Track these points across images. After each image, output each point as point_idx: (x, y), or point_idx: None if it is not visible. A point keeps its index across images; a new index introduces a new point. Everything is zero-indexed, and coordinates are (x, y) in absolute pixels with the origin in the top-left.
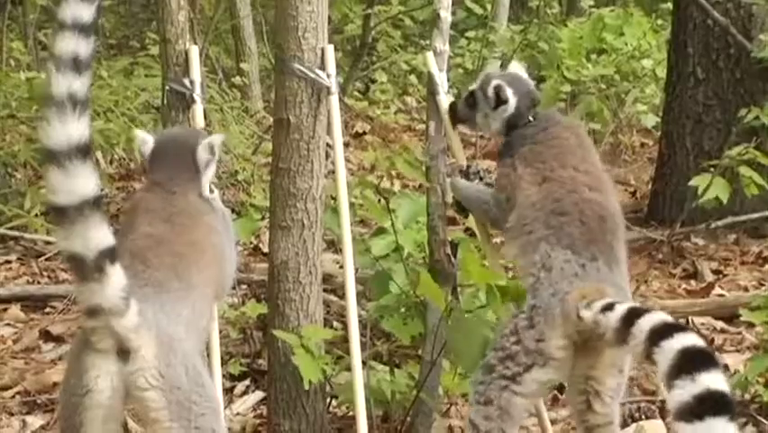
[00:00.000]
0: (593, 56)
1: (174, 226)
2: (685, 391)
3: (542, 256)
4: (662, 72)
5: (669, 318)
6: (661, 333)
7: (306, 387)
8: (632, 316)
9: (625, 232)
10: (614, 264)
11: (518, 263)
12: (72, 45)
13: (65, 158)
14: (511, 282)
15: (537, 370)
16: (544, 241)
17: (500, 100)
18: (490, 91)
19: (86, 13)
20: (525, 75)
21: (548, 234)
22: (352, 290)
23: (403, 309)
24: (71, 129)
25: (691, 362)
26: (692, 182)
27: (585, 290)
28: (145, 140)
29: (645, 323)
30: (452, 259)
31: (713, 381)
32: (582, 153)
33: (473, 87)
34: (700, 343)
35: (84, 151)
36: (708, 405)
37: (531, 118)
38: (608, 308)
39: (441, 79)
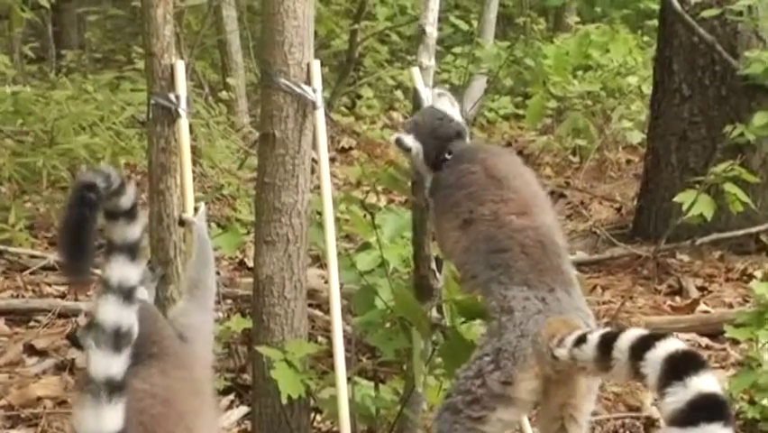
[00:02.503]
0: (579, 72)
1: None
2: (677, 397)
3: (498, 299)
4: (647, 89)
5: (644, 331)
6: (642, 346)
7: (284, 401)
8: (607, 341)
9: (566, 244)
10: (569, 288)
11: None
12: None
13: None
14: (472, 299)
15: (503, 411)
16: (493, 282)
17: (406, 149)
18: (395, 145)
19: (134, 275)
20: (443, 105)
21: (496, 275)
22: (336, 305)
23: (388, 324)
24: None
25: (679, 366)
26: (677, 199)
27: (553, 327)
28: None
29: (623, 342)
30: (437, 274)
31: (704, 383)
32: (497, 182)
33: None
34: (684, 346)
35: None
36: (702, 410)
37: (447, 156)
38: (581, 340)
39: (426, 95)
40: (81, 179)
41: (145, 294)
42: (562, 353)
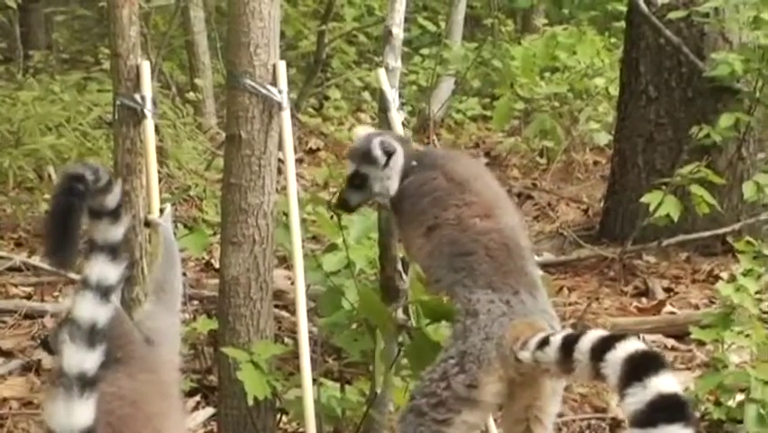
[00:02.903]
0: (547, 74)
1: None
2: (637, 398)
3: (462, 302)
4: (614, 90)
5: (605, 333)
6: (602, 347)
7: (251, 403)
8: (569, 343)
9: (530, 245)
10: (534, 290)
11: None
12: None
13: None
14: (438, 300)
15: (468, 413)
16: (458, 285)
17: (389, 153)
18: (377, 150)
19: (113, 275)
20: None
21: (460, 278)
22: (302, 306)
23: (354, 326)
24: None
25: (639, 367)
26: (644, 200)
27: (517, 330)
28: None
29: (584, 344)
30: (403, 275)
31: (664, 384)
32: (458, 187)
33: (351, 169)
34: (643, 347)
35: None
36: (662, 411)
37: (414, 162)
38: (544, 343)
39: (392, 96)
40: (70, 170)
41: (113, 297)
42: (525, 355)
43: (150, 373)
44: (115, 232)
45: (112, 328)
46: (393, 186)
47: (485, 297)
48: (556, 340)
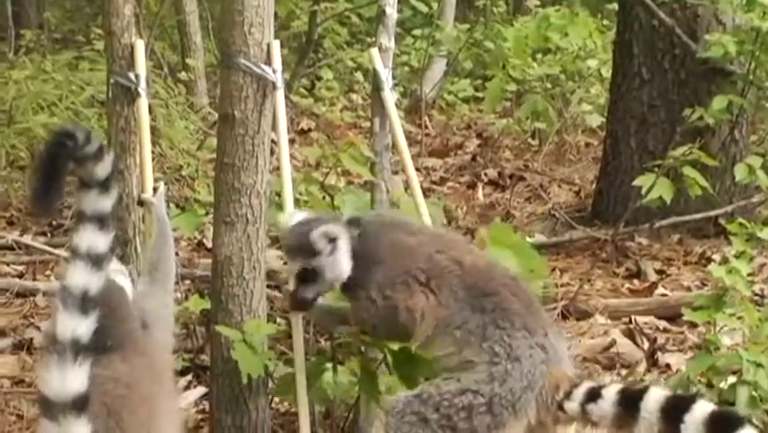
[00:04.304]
0: (539, 55)
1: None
2: None
3: (501, 344)
4: (607, 72)
5: (668, 392)
6: (676, 408)
7: (245, 381)
8: (630, 399)
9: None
10: (553, 330)
11: (456, 357)
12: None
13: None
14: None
15: None
16: (491, 326)
17: (332, 240)
18: (319, 243)
19: (102, 243)
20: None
21: (492, 319)
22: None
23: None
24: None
25: (723, 427)
26: (636, 182)
27: (555, 378)
28: None
29: (651, 404)
30: None
31: None
32: (427, 236)
33: (297, 266)
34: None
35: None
36: None
37: (358, 232)
38: (595, 395)
39: (386, 76)
40: (61, 128)
41: (126, 284)
42: (572, 407)
43: (144, 356)
44: (104, 203)
45: (109, 312)
46: (345, 267)
47: (524, 341)
48: (610, 395)
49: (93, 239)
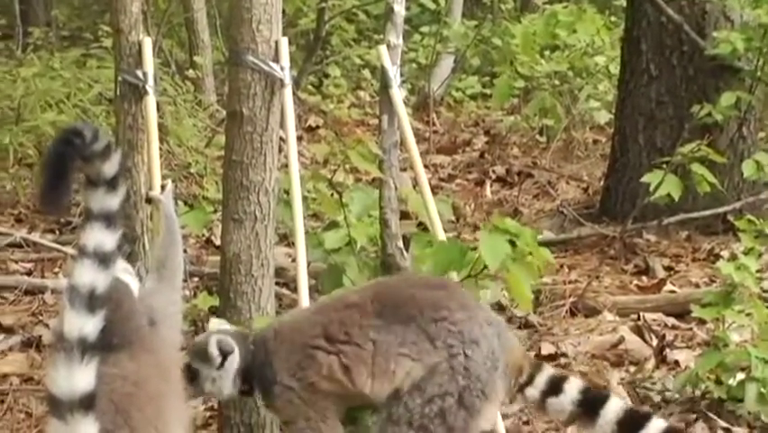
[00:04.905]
0: (547, 52)
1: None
2: None
3: (451, 334)
4: (615, 69)
5: (628, 405)
6: (632, 424)
7: None
8: (591, 404)
9: None
10: (478, 303)
11: (419, 368)
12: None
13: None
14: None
15: None
16: (430, 324)
17: (225, 354)
18: (213, 348)
19: (109, 241)
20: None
21: (426, 317)
22: (304, 283)
23: None
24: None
25: None
26: (644, 179)
27: (515, 358)
28: None
29: (610, 414)
30: (405, 253)
31: None
32: (298, 316)
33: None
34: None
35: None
36: None
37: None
38: (556, 389)
39: (394, 73)
40: (69, 126)
41: (131, 282)
42: (533, 394)
43: (152, 354)
44: (112, 201)
45: (117, 310)
46: (227, 388)
47: (470, 322)
48: (573, 392)
49: (100, 238)
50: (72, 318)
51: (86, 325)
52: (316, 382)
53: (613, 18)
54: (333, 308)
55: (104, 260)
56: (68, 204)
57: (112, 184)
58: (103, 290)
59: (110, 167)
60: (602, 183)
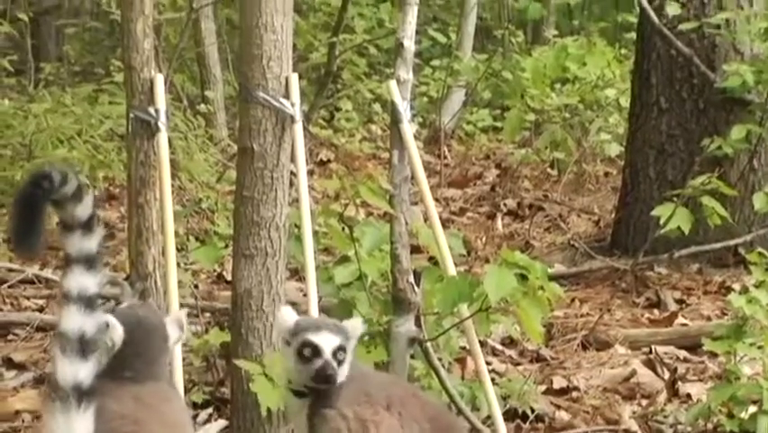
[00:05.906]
0: (557, 85)
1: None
2: None
3: None
4: (625, 102)
5: None
6: None
7: (265, 414)
8: None
9: None
10: None
11: None
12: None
13: None
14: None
15: None
16: None
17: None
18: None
19: (92, 284)
20: None
21: None
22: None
23: (366, 337)
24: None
25: None
26: (655, 212)
27: None
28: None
29: None
30: (415, 288)
31: None
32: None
33: None
34: None
35: None
36: None
37: None
38: None
39: (404, 108)
40: (37, 171)
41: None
42: None
43: (156, 396)
44: (90, 243)
45: (149, 345)
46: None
47: None
48: None
49: (82, 281)
50: (65, 366)
51: (80, 371)
52: (366, 420)
53: (623, 51)
54: (403, 388)
55: (89, 303)
56: (42, 245)
57: (87, 226)
58: (92, 334)
59: (83, 209)
60: (613, 216)
